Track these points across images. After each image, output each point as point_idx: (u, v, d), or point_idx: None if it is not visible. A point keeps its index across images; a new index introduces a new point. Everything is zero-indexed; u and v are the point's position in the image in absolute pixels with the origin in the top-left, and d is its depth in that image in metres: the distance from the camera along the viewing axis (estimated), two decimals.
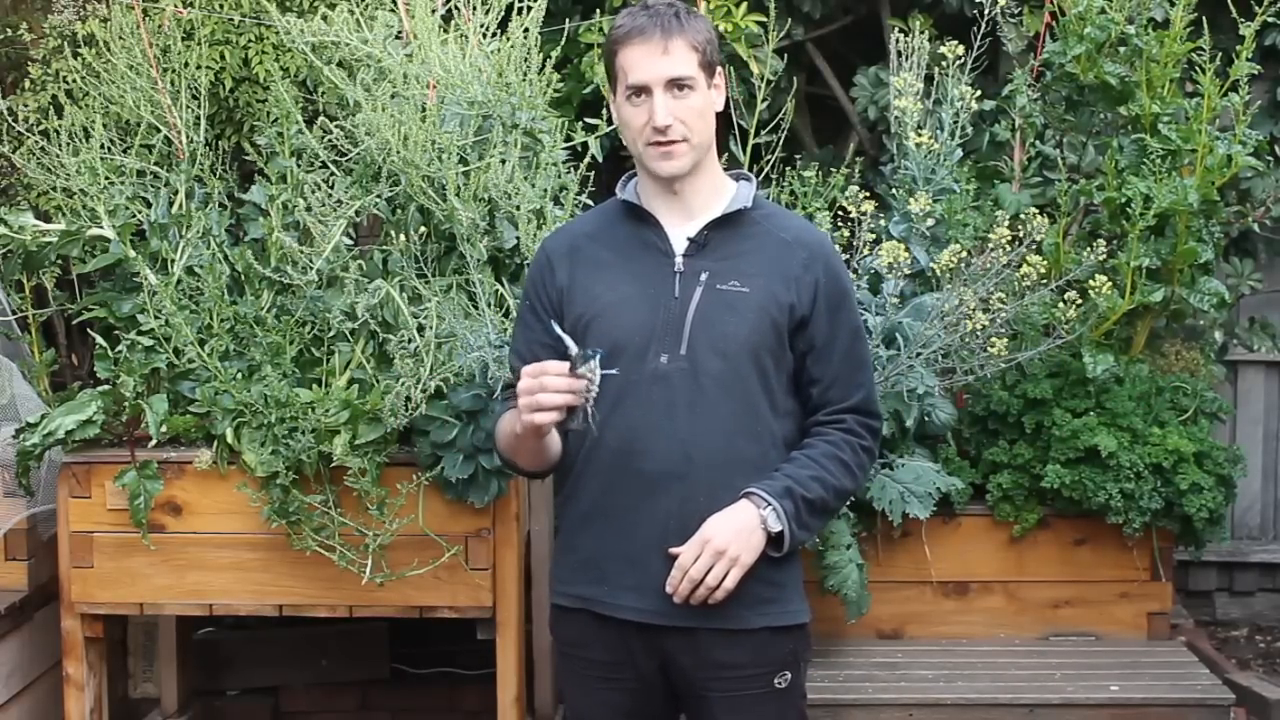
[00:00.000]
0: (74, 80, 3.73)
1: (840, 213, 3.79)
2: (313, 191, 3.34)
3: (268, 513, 3.22)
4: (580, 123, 3.60)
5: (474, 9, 3.50)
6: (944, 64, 3.90)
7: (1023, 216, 3.62)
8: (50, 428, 3.28)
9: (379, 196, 3.40)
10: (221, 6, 3.86)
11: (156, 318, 3.26)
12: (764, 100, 3.78)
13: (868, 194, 3.75)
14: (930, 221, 3.70)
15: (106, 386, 3.34)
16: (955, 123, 3.90)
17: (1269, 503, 5.13)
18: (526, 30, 3.45)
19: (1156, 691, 3.48)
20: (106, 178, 3.51)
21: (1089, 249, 3.68)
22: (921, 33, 4.02)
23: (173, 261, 3.42)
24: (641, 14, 2.43)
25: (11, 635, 3.60)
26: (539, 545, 3.60)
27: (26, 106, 3.87)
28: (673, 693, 2.52)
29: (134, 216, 3.47)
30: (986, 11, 4.02)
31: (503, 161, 3.30)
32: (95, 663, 3.44)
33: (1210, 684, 3.53)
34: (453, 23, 3.52)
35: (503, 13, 3.51)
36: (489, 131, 3.36)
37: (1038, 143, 4.14)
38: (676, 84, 2.40)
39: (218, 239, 3.47)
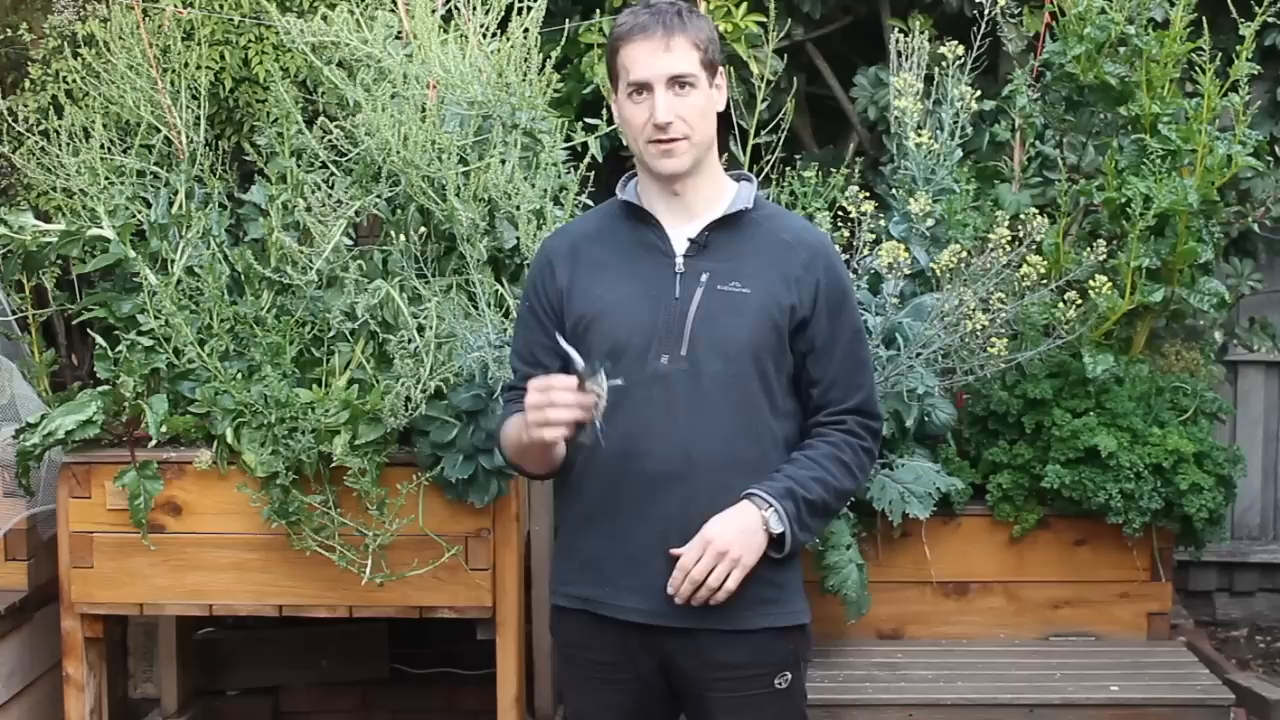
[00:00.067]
0: (74, 80, 3.73)
1: (840, 213, 3.79)
2: (313, 191, 3.34)
3: (268, 513, 3.22)
4: (580, 123, 3.60)
5: (474, 9, 3.50)
6: (944, 64, 3.90)
7: (1023, 216, 3.62)
8: (50, 428, 3.28)
9: (379, 196, 3.40)
10: (221, 6, 3.86)
11: (156, 318, 3.26)
12: (764, 100, 3.78)
13: (868, 194, 3.76)
14: (930, 221, 3.71)
15: (106, 386, 3.34)
16: (955, 123, 3.90)
17: (1269, 503, 5.13)
18: (526, 30, 3.45)
19: (1156, 692, 3.48)
20: (106, 178, 3.52)
21: (1089, 249, 3.68)
22: (921, 33, 4.02)
23: (173, 262, 3.42)
24: (644, 12, 2.43)
25: (11, 635, 3.60)
26: (539, 545, 3.60)
27: (26, 106, 3.87)
28: (673, 693, 2.52)
29: (134, 216, 3.47)
30: (986, 11, 4.02)
31: (503, 162, 3.30)
32: (95, 663, 3.44)
33: (1210, 684, 3.54)
34: (453, 23, 3.52)
35: (503, 13, 3.51)
36: (489, 131, 3.36)
37: (1038, 143, 4.15)
38: (678, 81, 2.40)
39: (218, 239, 3.48)
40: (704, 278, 2.45)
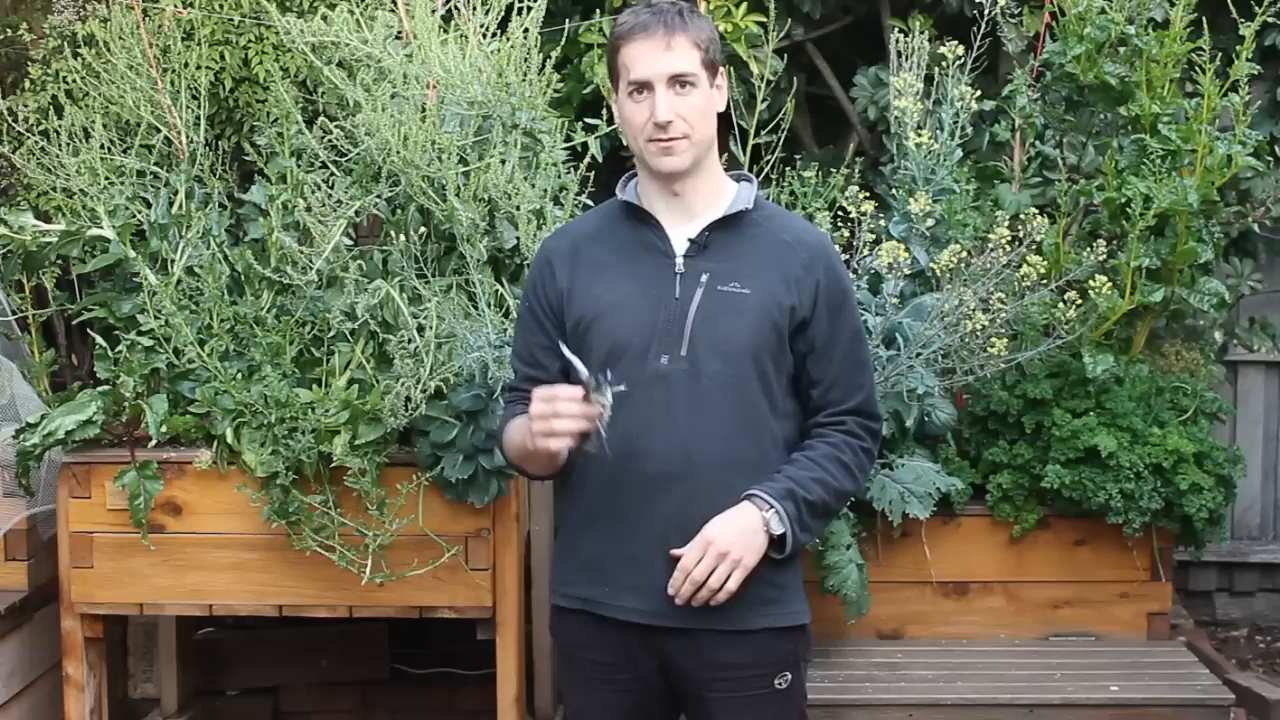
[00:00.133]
0: (74, 80, 3.73)
1: (840, 213, 3.79)
2: (313, 191, 3.34)
3: (268, 513, 3.22)
4: (580, 123, 3.60)
5: (474, 9, 3.50)
6: (944, 64, 3.90)
7: (1023, 216, 3.62)
8: (50, 428, 3.28)
9: (379, 196, 3.40)
10: (221, 6, 3.86)
11: (156, 318, 3.26)
12: (764, 100, 3.78)
13: (868, 194, 3.76)
14: (930, 221, 3.71)
15: (106, 386, 3.34)
16: (955, 123, 3.90)
17: (1269, 503, 5.13)
18: (526, 30, 3.44)
19: (1156, 692, 3.48)
20: (106, 178, 3.52)
21: (1089, 249, 3.68)
22: (921, 33, 4.02)
23: (173, 262, 3.42)
24: (645, 11, 2.43)
25: (11, 635, 3.60)
26: (539, 545, 3.60)
27: (26, 107, 3.88)
28: (673, 693, 2.52)
29: (134, 216, 3.47)
30: (986, 11, 4.02)
31: (503, 162, 3.30)
32: (95, 663, 3.44)
33: (1210, 684, 3.53)
34: (453, 23, 3.52)
35: (503, 13, 3.51)
36: (489, 131, 3.36)
37: (1038, 143, 4.15)
38: (679, 80, 2.40)
39: (218, 239, 3.48)
40: (704, 278, 2.45)
